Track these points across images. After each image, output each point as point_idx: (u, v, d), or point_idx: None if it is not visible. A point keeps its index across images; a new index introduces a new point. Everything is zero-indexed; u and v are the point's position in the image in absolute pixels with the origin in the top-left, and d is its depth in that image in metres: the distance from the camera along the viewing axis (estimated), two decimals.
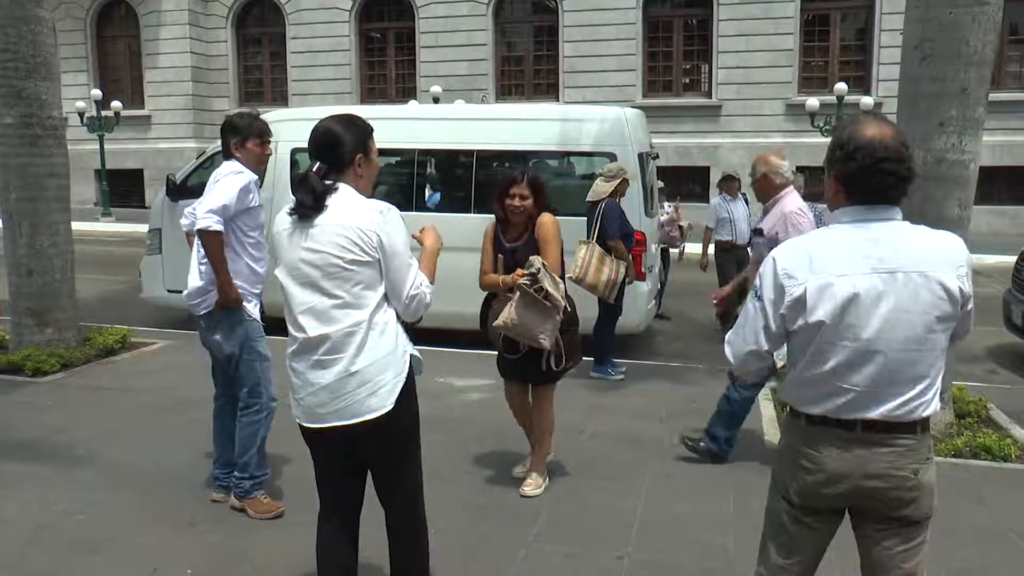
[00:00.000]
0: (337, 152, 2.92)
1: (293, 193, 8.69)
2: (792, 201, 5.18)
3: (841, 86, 17.16)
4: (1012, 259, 8.91)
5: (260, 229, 4.50)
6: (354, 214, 2.86)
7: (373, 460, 3.09)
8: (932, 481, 2.43)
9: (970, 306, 2.39)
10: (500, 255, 4.68)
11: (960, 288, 2.33)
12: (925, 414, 2.37)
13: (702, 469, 5.21)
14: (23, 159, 7.35)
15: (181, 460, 5.21)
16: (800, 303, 2.33)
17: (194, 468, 5.01)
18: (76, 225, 8.47)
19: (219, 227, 4.26)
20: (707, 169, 19.87)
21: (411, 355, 3.03)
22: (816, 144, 17.98)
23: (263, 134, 4.53)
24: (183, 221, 4.69)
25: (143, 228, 10.24)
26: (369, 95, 22.91)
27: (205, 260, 4.37)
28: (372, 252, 2.84)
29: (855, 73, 19.61)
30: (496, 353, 4.82)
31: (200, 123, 23.48)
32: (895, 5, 15.03)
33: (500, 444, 5.41)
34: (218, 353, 4.53)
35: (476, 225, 7.39)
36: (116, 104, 21.14)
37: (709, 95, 20.66)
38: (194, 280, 4.45)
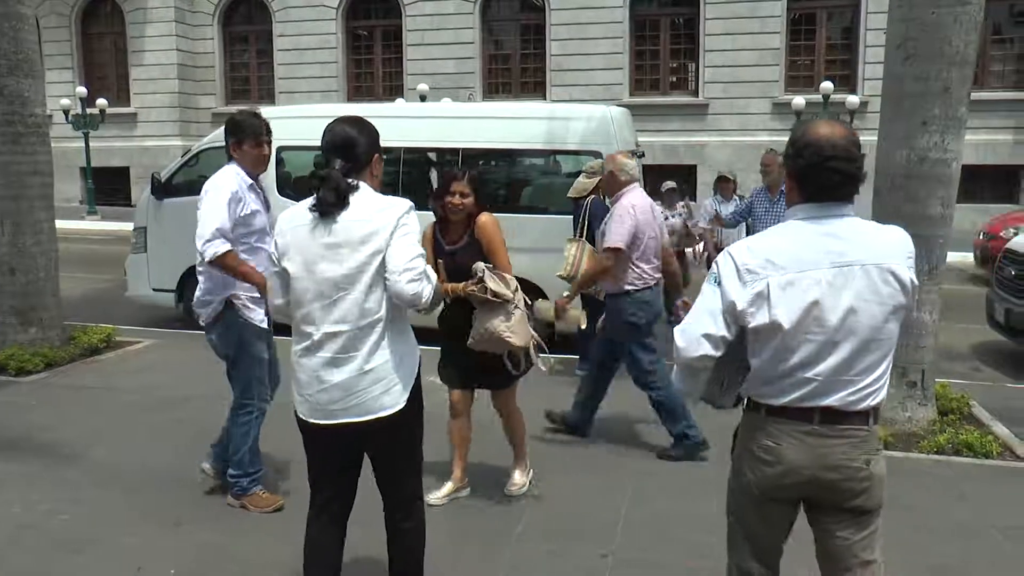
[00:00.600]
0: (355, 152, 2.97)
1: (279, 192, 8.59)
2: (629, 198, 5.41)
3: (827, 85, 17.22)
4: (994, 258, 8.97)
5: (257, 234, 4.37)
6: (378, 210, 2.91)
7: (380, 456, 3.13)
8: (882, 472, 2.54)
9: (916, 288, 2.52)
10: (439, 259, 4.48)
11: (911, 279, 2.46)
12: (875, 402, 2.48)
13: (686, 468, 5.23)
14: (5, 157, 7.31)
15: (166, 459, 5.19)
16: (762, 298, 2.40)
17: (179, 467, 4.98)
18: (61, 223, 8.43)
19: (226, 246, 4.18)
20: (694, 167, 19.92)
21: None
22: None
23: (259, 134, 4.42)
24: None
25: (128, 226, 10.18)
26: (356, 93, 22.85)
27: (203, 271, 4.34)
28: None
29: (841, 72, 19.68)
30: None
31: (186, 121, 23.37)
32: (880, 4, 15.08)
33: (486, 443, 5.41)
34: (216, 353, 4.54)
35: None
36: (101, 101, 21.01)
37: (696, 94, 20.70)
38: (198, 290, 4.43)
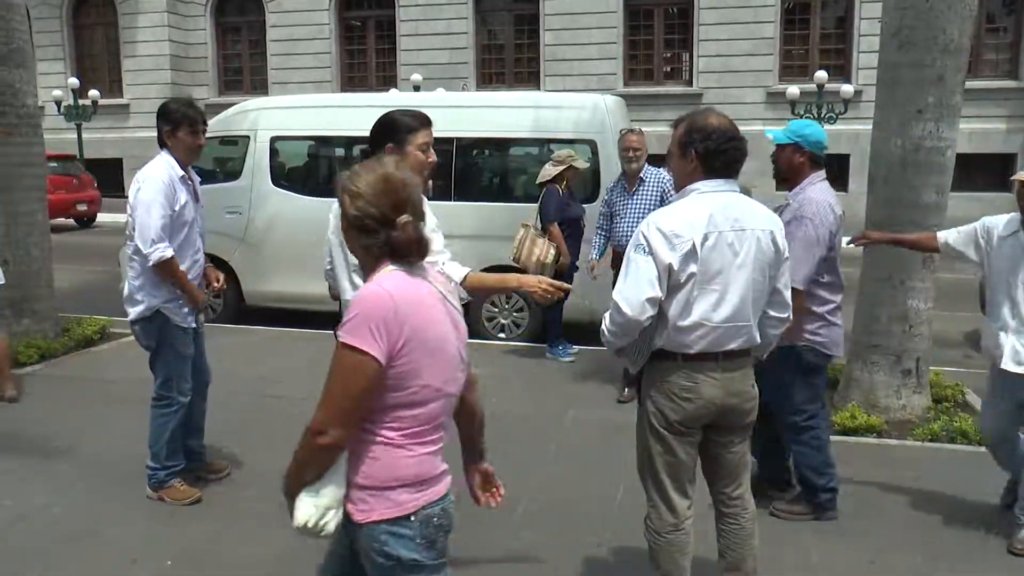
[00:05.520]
0: (372, 140, 3.49)
1: (273, 183, 8.57)
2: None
3: (821, 74, 17.22)
4: None
5: (187, 226, 4.36)
6: None
7: None
8: (757, 393, 3.16)
9: (788, 259, 3.10)
10: None
11: (783, 246, 3.05)
12: (756, 343, 3.08)
13: None
14: None
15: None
16: (690, 256, 2.86)
17: None
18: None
19: (170, 251, 4.20)
20: None
21: None
22: None
23: (195, 122, 4.36)
24: (126, 249, 4.49)
25: (122, 218, 10.12)
26: (349, 83, 22.79)
27: (135, 264, 4.32)
28: None
29: (835, 61, 19.68)
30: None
31: None
32: None
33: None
34: (139, 343, 4.53)
35: (456, 213, 7.43)
36: (94, 93, 20.92)
37: (690, 83, 20.69)
38: (127, 284, 4.44)
